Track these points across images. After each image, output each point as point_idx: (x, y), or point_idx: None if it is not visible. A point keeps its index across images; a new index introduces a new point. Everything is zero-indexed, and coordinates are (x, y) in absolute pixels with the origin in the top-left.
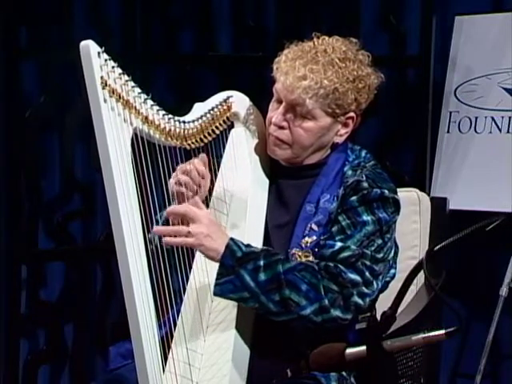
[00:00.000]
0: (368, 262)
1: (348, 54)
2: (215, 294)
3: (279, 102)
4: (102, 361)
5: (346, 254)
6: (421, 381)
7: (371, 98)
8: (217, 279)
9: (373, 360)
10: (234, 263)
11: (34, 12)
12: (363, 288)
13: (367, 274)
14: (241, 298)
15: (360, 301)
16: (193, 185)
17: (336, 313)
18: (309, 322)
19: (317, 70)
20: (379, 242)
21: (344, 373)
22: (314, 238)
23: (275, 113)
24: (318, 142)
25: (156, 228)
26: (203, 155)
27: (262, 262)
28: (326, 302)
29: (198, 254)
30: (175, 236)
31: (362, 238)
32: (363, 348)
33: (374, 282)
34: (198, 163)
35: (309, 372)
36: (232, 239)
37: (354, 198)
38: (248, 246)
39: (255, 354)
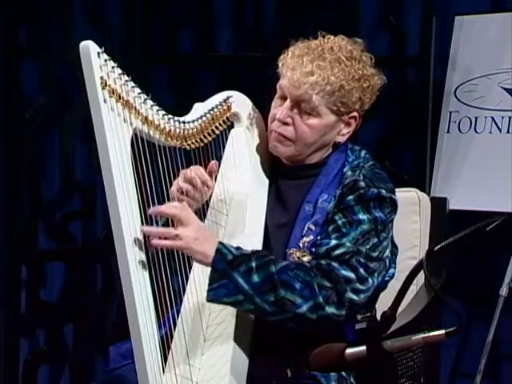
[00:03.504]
0: (362, 260)
1: (354, 53)
2: (209, 299)
3: (283, 98)
4: (102, 361)
5: (340, 250)
6: (421, 381)
7: (373, 100)
8: (209, 284)
9: (373, 360)
10: (225, 266)
11: (33, 12)
12: (357, 284)
13: (361, 270)
14: (235, 301)
15: (354, 297)
16: (194, 193)
17: (331, 309)
18: (305, 321)
19: (324, 67)
20: (374, 240)
21: (344, 373)
22: (312, 237)
23: (279, 109)
24: (321, 140)
25: (143, 228)
26: (214, 163)
27: (254, 264)
28: (321, 299)
29: None
30: (164, 238)
31: (357, 236)
32: (363, 348)
33: (370, 279)
34: (201, 172)
35: (309, 372)
36: (221, 243)
37: (350, 197)
38: (238, 248)
39: (255, 354)
